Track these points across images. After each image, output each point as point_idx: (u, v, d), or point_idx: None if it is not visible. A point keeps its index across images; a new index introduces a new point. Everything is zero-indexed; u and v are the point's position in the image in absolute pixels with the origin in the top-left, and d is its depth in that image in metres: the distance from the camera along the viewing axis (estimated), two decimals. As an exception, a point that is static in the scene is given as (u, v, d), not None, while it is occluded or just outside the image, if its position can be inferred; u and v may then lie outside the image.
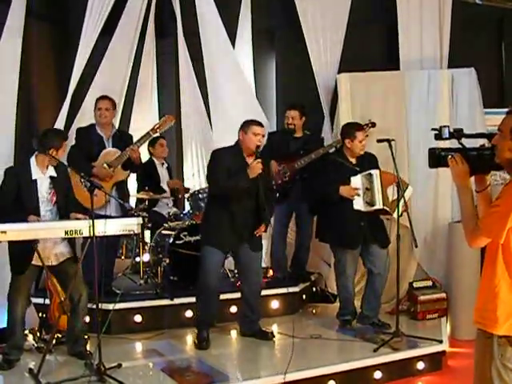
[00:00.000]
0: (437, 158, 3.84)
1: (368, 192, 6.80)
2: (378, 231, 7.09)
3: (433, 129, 3.93)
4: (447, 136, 3.87)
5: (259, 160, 6.36)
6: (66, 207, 6.07)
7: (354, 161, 7.04)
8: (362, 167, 6.97)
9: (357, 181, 6.85)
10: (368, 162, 7.06)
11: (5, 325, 6.16)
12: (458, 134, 3.86)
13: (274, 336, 6.86)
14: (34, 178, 5.94)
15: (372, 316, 7.18)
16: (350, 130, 7.07)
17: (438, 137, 3.91)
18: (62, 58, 8.95)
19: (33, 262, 5.87)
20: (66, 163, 6.52)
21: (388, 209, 6.76)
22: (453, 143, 3.92)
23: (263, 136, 6.61)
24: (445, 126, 3.89)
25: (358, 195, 6.82)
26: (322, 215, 7.27)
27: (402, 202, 6.70)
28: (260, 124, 6.62)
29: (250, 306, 6.86)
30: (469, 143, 3.88)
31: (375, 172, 6.82)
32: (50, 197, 6.01)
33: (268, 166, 6.87)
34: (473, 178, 3.81)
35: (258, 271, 6.87)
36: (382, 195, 6.72)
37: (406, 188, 6.92)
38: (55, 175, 6.05)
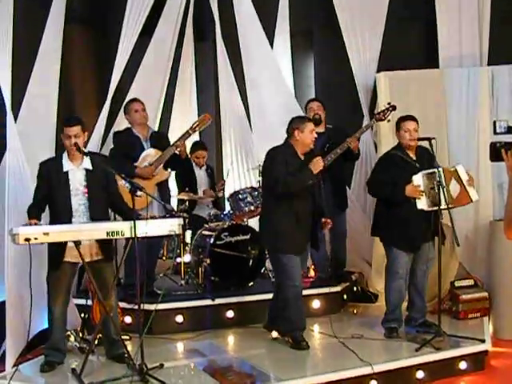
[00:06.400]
0: (497, 152, 3.79)
1: (432, 191, 6.59)
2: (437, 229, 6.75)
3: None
4: (501, 130, 3.85)
5: (320, 157, 6.37)
6: (102, 202, 6.10)
7: (413, 156, 6.87)
8: (421, 163, 6.79)
9: (418, 179, 6.66)
10: (427, 158, 6.82)
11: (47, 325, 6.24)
12: None
13: (308, 347, 6.59)
14: (65, 170, 5.95)
15: (419, 317, 7.02)
16: (397, 123, 7.01)
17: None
18: (101, 61, 9.05)
19: (69, 260, 5.91)
20: (103, 155, 6.65)
21: (452, 205, 6.62)
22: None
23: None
24: (500, 120, 3.87)
25: (421, 197, 6.63)
26: (381, 213, 7.03)
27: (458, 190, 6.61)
28: (311, 120, 6.64)
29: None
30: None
31: (439, 170, 6.56)
32: (84, 190, 5.98)
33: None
34: None
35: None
36: (446, 194, 6.53)
37: (455, 171, 6.72)
38: (90, 168, 6.02)
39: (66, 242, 5.75)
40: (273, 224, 6.61)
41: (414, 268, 6.98)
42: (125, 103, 7.77)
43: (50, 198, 5.97)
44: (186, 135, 7.58)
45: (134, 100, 7.69)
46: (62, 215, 5.89)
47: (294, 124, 6.53)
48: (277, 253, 6.58)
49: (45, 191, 5.97)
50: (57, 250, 5.85)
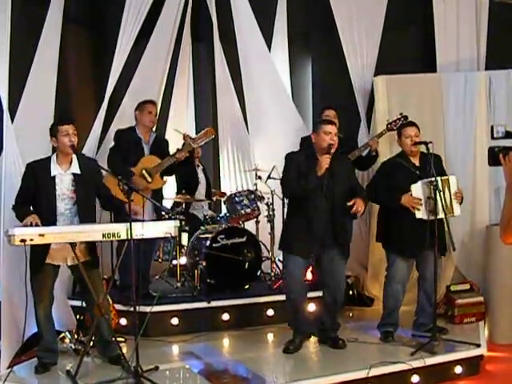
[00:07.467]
0: (495, 156, 3.79)
1: (430, 200, 6.49)
2: (439, 238, 6.60)
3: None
4: (499, 135, 3.85)
5: (328, 156, 6.23)
6: (89, 207, 6.08)
7: (416, 163, 6.83)
8: (424, 171, 6.65)
9: (417, 189, 6.57)
10: (432, 164, 6.54)
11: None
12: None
13: (345, 345, 6.69)
14: (52, 174, 5.90)
15: (428, 323, 6.92)
16: (398, 128, 7.04)
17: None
18: (99, 62, 9.01)
19: (51, 262, 5.88)
20: (93, 159, 6.68)
21: (451, 214, 6.59)
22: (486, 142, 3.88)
23: (336, 134, 6.43)
24: (498, 125, 3.87)
25: (420, 207, 6.54)
26: (382, 218, 7.02)
27: (449, 200, 6.55)
28: (330, 122, 6.55)
29: (331, 316, 6.78)
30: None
31: (436, 179, 6.42)
32: (71, 194, 5.93)
33: (346, 165, 6.76)
34: None
35: (340, 280, 6.64)
36: (444, 203, 6.42)
37: (448, 183, 6.66)
38: (79, 172, 5.98)
39: (48, 245, 5.72)
40: (286, 227, 6.74)
41: (423, 274, 6.95)
42: (141, 101, 7.76)
43: (34, 200, 5.92)
44: (189, 146, 7.57)
45: (151, 102, 7.76)
46: (46, 218, 5.81)
47: (313, 128, 6.54)
48: (284, 253, 6.69)
49: (30, 193, 5.91)
50: (39, 252, 5.79)
